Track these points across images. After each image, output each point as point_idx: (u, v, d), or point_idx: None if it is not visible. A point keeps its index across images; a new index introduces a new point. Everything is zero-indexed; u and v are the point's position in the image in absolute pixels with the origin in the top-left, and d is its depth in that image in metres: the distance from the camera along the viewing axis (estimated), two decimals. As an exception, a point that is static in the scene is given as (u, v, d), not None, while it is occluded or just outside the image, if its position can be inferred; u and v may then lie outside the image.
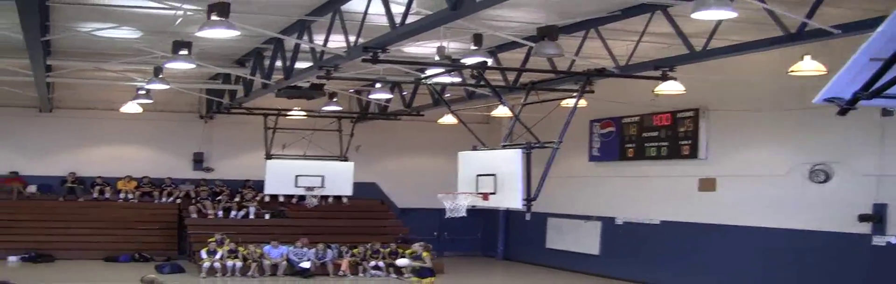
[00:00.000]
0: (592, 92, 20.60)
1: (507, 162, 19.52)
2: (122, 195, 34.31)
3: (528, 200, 19.02)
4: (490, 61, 20.65)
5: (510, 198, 19.39)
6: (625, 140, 28.96)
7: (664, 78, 20.03)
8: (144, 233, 33.23)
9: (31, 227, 32.22)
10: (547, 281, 29.31)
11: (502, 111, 26.42)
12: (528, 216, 20.30)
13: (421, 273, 22.12)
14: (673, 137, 26.77)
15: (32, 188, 34.05)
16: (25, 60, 23.16)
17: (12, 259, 30.75)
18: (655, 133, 27.56)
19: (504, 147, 20.33)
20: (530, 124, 20.38)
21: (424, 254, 22.32)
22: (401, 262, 27.38)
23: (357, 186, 31.05)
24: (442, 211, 22.17)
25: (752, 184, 24.17)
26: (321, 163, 30.51)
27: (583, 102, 20.72)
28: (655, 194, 27.82)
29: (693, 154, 26.07)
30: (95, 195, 34.05)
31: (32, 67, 24.09)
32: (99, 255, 31.80)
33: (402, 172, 36.64)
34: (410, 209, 35.60)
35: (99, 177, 34.38)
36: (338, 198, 33.58)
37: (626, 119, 28.88)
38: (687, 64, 19.55)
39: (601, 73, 20.06)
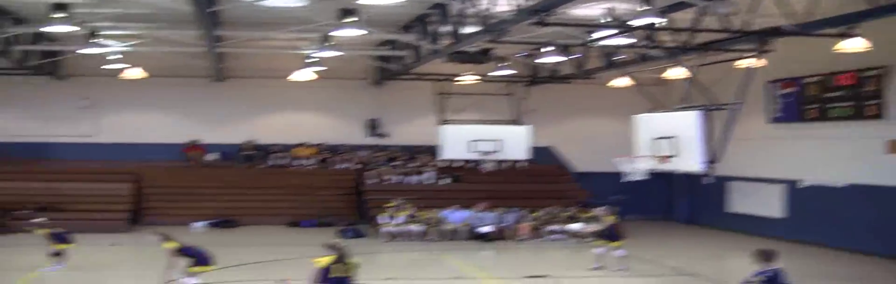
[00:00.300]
0: (769, 51, 19.91)
1: (685, 125, 19.36)
2: (299, 162, 34.84)
3: (709, 163, 18.76)
4: (661, 22, 20.16)
5: (689, 161, 19.28)
6: (806, 101, 27.93)
7: (846, 35, 19.23)
8: (325, 199, 33.71)
9: (213, 194, 33.20)
10: (729, 245, 28.64)
11: (676, 73, 25.89)
12: (708, 180, 19.90)
13: (608, 236, 21.87)
14: (857, 97, 25.64)
15: (213, 156, 34.99)
16: (196, 32, 23.58)
17: (198, 224, 31.62)
18: (838, 93, 26.44)
19: (680, 109, 20.00)
20: (707, 84, 19.87)
21: (606, 218, 22.02)
22: (573, 226, 27.14)
23: (534, 150, 30.80)
24: (621, 175, 22.06)
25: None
26: (496, 128, 30.44)
27: (759, 62, 20.11)
28: (840, 156, 26.77)
29: (880, 115, 24.95)
30: (274, 161, 34.72)
31: (203, 38, 24.52)
32: (281, 221, 32.46)
33: (578, 135, 36.32)
34: (588, 173, 35.21)
35: (276, 144, 35.14)
36: (515, 162, 33.40)
37: (806, 79, 27.86)
38: (871, 20, 18.61)
39: (777, 31, 19.35)
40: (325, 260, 12.77)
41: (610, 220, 21.98)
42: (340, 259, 12.82)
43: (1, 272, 20.27)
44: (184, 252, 16.98)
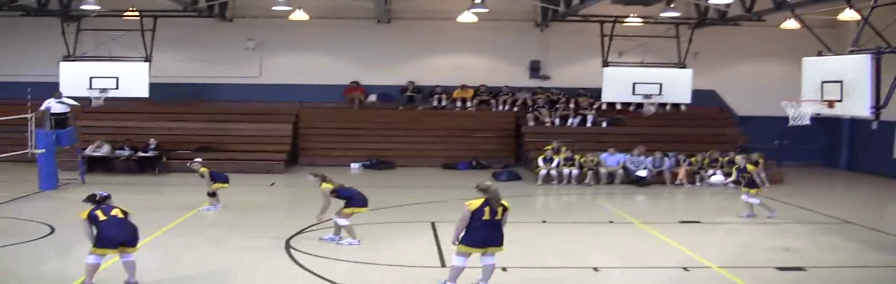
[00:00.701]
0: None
1: (855, 68, 19.03)
2: (459, 104, 34.87)
3: (877, 108, 18.28)
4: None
5: (857, 106, 19.01)
6: None
7: None
8: (482, 141, 33.86)
9: (371, 135, 33.66)
10: (891, 193, 27.83)
11: (849, 15, 25.01)
12: (875, 125, 19.36)
13: (748, 183, 21.40)
14: None
15: (373, 98, 35.26)
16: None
17: (354, 165, 32.19)
18: None
19: (851, 53, 19.50)
20: (880, 27, 19.14)
21: (750, 168, 21.46)
22: (714, 179, 26.59)
23: (696, 93, 30.61)
24: (784, 119, 21.64)
25: None
26: (659, 70, 30.38)
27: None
28: None
29: None
30: (434, 103, 34.85)
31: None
32: (437, 162, 32.82)
33: (743, 79, 35.52)
34: (750, 117, 34.54)
35: (437, 86, 35.14)
36: (675, 106, 32.93)
37: None
38: None
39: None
40: (476, 203, 12.70)
41: (753, 169, 21.40)
42: (491, 201, 12.74)
43: (161, 210, 20.75)
44: (339, 193, 17.12)
